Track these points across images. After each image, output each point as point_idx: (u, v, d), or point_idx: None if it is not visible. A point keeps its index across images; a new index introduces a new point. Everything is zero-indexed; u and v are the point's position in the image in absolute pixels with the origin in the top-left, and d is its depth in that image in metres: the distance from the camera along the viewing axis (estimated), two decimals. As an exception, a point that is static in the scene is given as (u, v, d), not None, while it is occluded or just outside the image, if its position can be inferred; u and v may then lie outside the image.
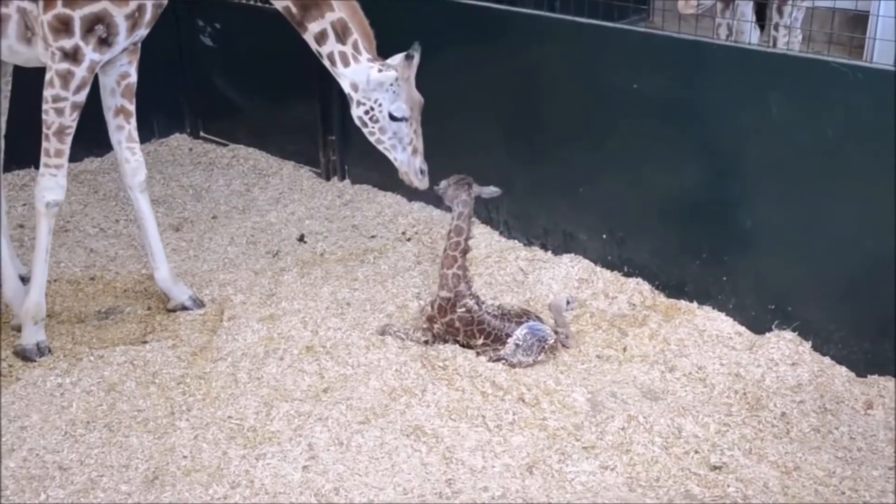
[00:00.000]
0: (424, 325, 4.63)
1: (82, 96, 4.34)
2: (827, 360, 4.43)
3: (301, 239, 5.79)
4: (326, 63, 4.52)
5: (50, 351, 4.53)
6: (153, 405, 4.18)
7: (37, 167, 6.31)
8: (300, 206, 6.23)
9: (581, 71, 5.09)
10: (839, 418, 4.06)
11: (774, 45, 6.17)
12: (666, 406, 4.13)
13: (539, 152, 5.35)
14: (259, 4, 6.75)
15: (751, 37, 6.43)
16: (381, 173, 6.34)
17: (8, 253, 4.78)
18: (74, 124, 4.40)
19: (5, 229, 4.87)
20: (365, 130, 4.59)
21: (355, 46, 4.43)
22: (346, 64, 4.46)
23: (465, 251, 4.57)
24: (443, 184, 4.59)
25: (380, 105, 4.48)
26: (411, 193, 6.15)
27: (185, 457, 3.85)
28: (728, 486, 3.67)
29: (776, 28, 6.29)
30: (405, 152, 4.58)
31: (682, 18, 5.27)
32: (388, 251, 5.59)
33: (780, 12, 6.28)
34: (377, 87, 4.44)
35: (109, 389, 4.27)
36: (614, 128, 5.02)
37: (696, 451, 3.86)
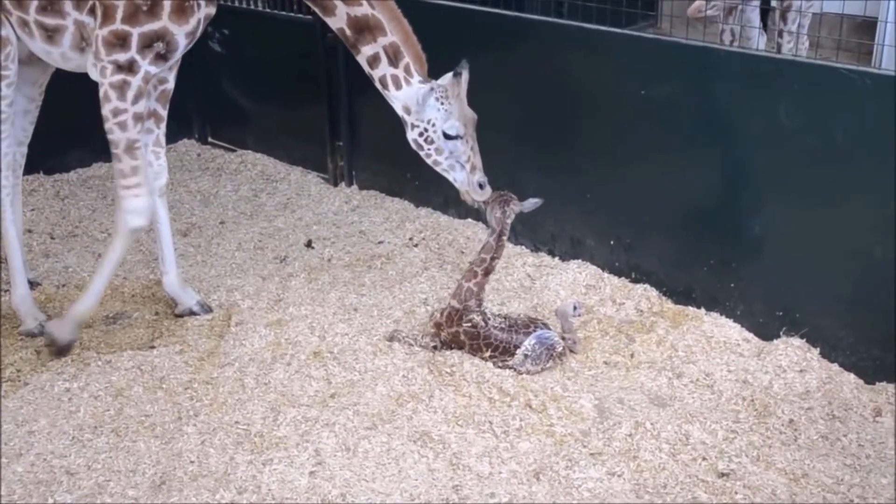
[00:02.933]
0: (432, 331, 4.63)
1: (141, 106, 4.32)
2: (835, 366, 4.41)
3: (308, 244, 5.80)
4: (378, 86, 4.49)
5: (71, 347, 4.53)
6: (160, 410, 4.18)
7: (45, 173, 6.45)
8: (308, 212, 6.24)
9: (589, 77, 5.09)
10: (847, 425, 4.05)
11: (779, 51, 6.16)
12: (673, 413, 4.12)
13: (546, 158, 5.35)
14: (268, 11, 6.78)
15: (758, 43, 6.42)
16: (388, 179, 6.37)
17: (19, 259, 4.79)
18: (141, 137, 4.37)
19: (19, 235, 4.86)
20: (421, 153, 4.55)
21: (407, 69, 4.42)
22: (398, 87, 4.44)
23: (488, 271, 4.53)
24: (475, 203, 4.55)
25: (433, 125, 4.44)
26: (418, 199, 6.17)
27: (192, 462, 3.85)
28: (736, 493, 3.66)
29: (780, 35, 6.29)
30: (463, 171, 4.52)
31: (690, 24, 5.27)
32: (396, 257, 5.59)
33: (784, 19, 6.28)
34: (423, 104, 4.40)
35: (117, 394, 4.27)
36: (622, 134, 5.02)
37: (704, 458, 3.85)
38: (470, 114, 4.48)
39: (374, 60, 4.43)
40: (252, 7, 6.85)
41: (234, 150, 7.17)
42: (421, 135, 4.49)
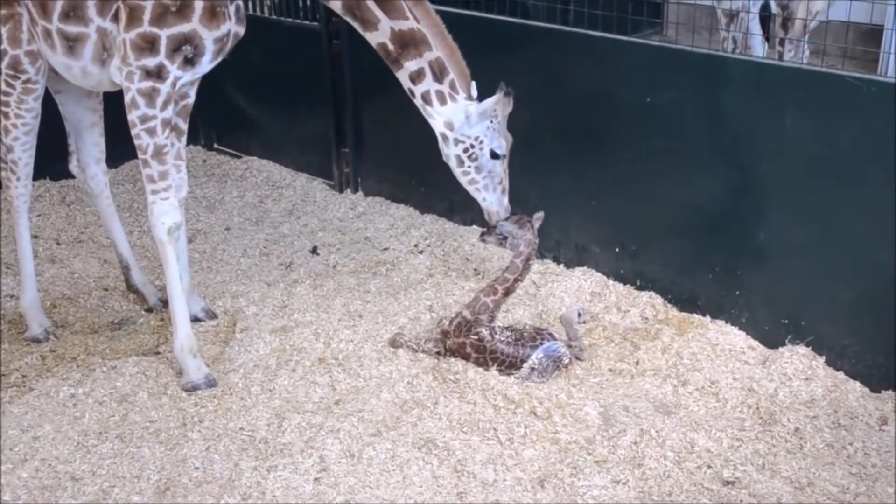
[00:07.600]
0: (437, 337, 4.62)
1: (169, 112, 4.21)
2: (841, 374, 4.40)
3: (314, 251, 5.81)
4: (418, 102, 4.38)
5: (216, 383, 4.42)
6: (165, 416, 4.18)
7: (51, 178, 6.46)
8: (313, 218, 6.25)
9: (594, 84, 5.09)
10: (853, 434, 4.04)
11: (780, 59, 6.15)
12: (678, 420, 4.11)
13: (551, 165, 5.35)
14: (274, 17, 6.78)
15: (760, 51, 6.41)
16: (393, 185, 6.37)
17: (31, 265, 4.80)
18: (169, 142, 4.28)
19: (28, 241, 4.86)
20: (458, 170, 4.47)
21: (452, 86, 4.33)
22: (442, 103, 4.34)
23: (509, 291, 4.52)
24: (503, 225, 4.50)
25: (481, 142, 4.37)
26: (424, 206, 6.18)
27: (196, 468, 3.85)
28: (741, 501, 3.65)
29: (782, 43, 6.29)
30: (495, 192, 4.49)
31: (695, 32, 5.26)
32: (401, 263, 5.60)
33: (786, 27, 6.27)
34: (472, 121, 4.34)
35: (122, 400, 4.28)
36: (627, 141, 5.02)
37: (709, 466, 3.84)
38: (509, 136, 4.44)
39: (418, 76, 4.31)
40: (258, 14, 6.86)
41: (239, 157, 7.19)
42: (465, 151, 4.40)
